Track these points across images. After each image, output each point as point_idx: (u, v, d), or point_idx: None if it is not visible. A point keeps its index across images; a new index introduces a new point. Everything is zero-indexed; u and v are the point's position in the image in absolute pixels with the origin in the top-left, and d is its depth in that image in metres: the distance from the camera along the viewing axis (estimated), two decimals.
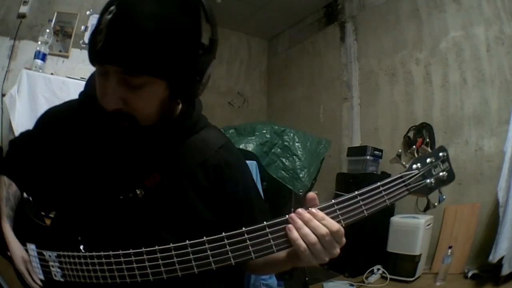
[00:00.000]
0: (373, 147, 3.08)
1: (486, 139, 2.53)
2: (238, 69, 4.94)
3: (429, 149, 0.65)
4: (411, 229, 2.49)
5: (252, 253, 0.57)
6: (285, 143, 2.54)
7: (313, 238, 0.56)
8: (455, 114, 2.75)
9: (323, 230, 0.56)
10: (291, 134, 2.58)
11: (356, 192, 0.58)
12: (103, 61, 0.60)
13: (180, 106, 0.76)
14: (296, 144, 2.56)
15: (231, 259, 0.57)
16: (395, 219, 2.63)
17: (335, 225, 0.57)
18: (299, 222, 0.57)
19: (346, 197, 0.58)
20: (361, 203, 0.58)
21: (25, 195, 0.84)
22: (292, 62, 4.72)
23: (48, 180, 0.80)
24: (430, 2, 2.99)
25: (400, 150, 0.68)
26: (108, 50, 0.58)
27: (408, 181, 0.61)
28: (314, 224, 0.57)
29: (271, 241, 0.57)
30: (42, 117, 0.86)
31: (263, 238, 0.57)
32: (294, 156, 2.52)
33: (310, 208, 0.58)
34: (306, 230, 0.56)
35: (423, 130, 2.91)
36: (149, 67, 0.59)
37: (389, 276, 2.51)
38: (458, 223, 2.54)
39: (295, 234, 0.57)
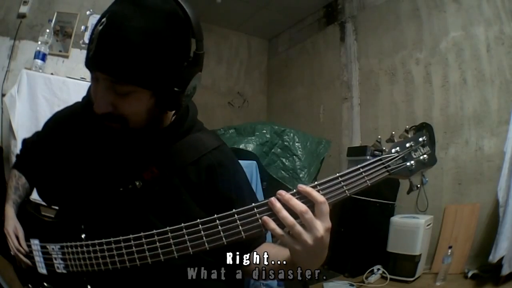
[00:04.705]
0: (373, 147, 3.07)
1: (486, 139, 2.53)
2: (238, 69, 4.94)
3: (408, 135, 0.69)
4: (411, 229, 2.49)
5: (242, 232, 0.59)
6: (285, 143, 2.54)
7: (290, 220, 0.57)
8: (455, 114, 2.75)
9: (302, 207, 0.57)
10: (291, 134, 2.58)
11: (337, 174, 0.61)
12: (94, 68, 0.66)
13: (172, 113, 0.79)
14: (296, 144, 2.56)
15: (223, 238, 0.59)
16: (395, 219, 2.63)
17: (319, 198, 0.57)
18: (277, 206, 0.58)
19: (328, 178, 0.61)
20: (343, 183, 0.61)
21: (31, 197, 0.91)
22: (292, 62, 4.72)
23: (54, 175, 0.84)
24: (430, 2, 2.99)
25: (379, 136, 0.71)
26: (97, 59, 0.64)
27: (388, 163, 0.64)
28: (293, 202, 0.58)
29: (259, 220, 0.59)
30: (49, 119, 0.93)
31: (252, 218, 0.60)
32: (294, 156, 2.53)
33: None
34: (283, 213, 0.57)
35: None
36: (133, 77, 0.64)
37: (389, 276, 2.51)
38: (458, 223, 2.54)
39: (271, 225, 0.58)
